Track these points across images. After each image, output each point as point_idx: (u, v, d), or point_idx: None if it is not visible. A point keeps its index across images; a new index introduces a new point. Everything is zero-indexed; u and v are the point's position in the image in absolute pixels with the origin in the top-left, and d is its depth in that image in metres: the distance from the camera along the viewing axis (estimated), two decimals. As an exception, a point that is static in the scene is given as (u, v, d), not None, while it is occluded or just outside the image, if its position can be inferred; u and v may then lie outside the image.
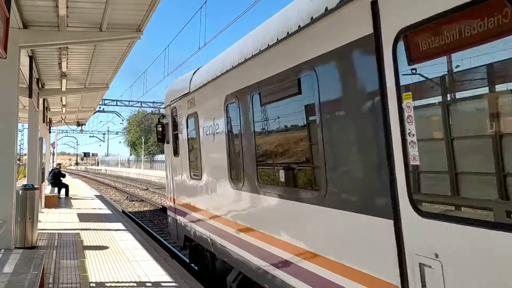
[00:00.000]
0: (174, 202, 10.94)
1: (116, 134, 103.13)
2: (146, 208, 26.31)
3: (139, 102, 57.13)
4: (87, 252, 10.67)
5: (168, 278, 8.34)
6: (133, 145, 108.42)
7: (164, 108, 11.76)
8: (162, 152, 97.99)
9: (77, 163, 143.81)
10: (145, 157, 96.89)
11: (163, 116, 11.88)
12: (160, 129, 11.66)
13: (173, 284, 8.05)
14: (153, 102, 59.26)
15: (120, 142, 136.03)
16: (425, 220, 3.29)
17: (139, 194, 35.93)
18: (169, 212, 11.76)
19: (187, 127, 9.51)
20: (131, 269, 9.02)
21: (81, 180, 53.34)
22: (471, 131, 3.22)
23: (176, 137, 10.55)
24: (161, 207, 25.52)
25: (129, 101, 56.63)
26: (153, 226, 19.59)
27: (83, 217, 16.99)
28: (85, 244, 11.76)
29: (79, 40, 10.72)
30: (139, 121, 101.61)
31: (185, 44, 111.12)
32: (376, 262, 3.82)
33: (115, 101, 55.94)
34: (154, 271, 8.83)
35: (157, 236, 16.00)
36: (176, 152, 10.57)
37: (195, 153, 9.00)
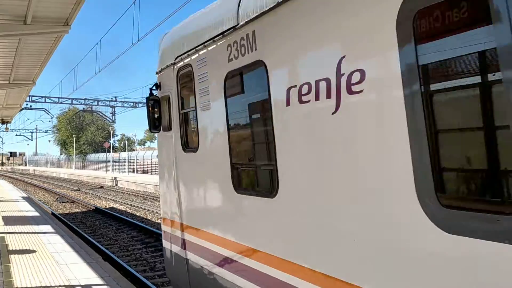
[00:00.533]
0: (182, 230, 6.70)
1: (45, 132, 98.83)
2: (77, 210, 25.42)
3: (69, 99, 55.02)
4: (12, 256, 10.16)
5: (99, 281, 8.11)
6: (64, 144, 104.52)
7: (159, 73, 7.30)
8: (95, 151, 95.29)
9: (2, 163, 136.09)
10: (77, 156, 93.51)
11: (158, 85, 7.30)
12: (152, 108, 7.14)
13: (105, 286, 7.84)
14: (85, 99, 57.27)
15: (49, 141, 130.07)
16: None
17: (70, 195, 34.70)
18: (167, 244, 7.30)
19: (226, 96, 5.33)
20: (60, 272, 8.68)
21: (7, 181, 50.60)
22: None
23: (185, 119, 6.59)
24: (94, 208, 24.93)
25: (58, 97, 54.35)
26: (85, 228, 18.95)
27: (8, 220, 16.16)
28: (10, 248, 11.19)
29: (1, 34, 10.16)
30: (69, 119, 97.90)
31: (118, 39, 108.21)
32: None
33: (44, 98, 53.54)
34: (85, 274, 8.55)
35: (89, 238, 15.47)
36: (187, 145, 6.54)
37: (253, 145, 5.29)
